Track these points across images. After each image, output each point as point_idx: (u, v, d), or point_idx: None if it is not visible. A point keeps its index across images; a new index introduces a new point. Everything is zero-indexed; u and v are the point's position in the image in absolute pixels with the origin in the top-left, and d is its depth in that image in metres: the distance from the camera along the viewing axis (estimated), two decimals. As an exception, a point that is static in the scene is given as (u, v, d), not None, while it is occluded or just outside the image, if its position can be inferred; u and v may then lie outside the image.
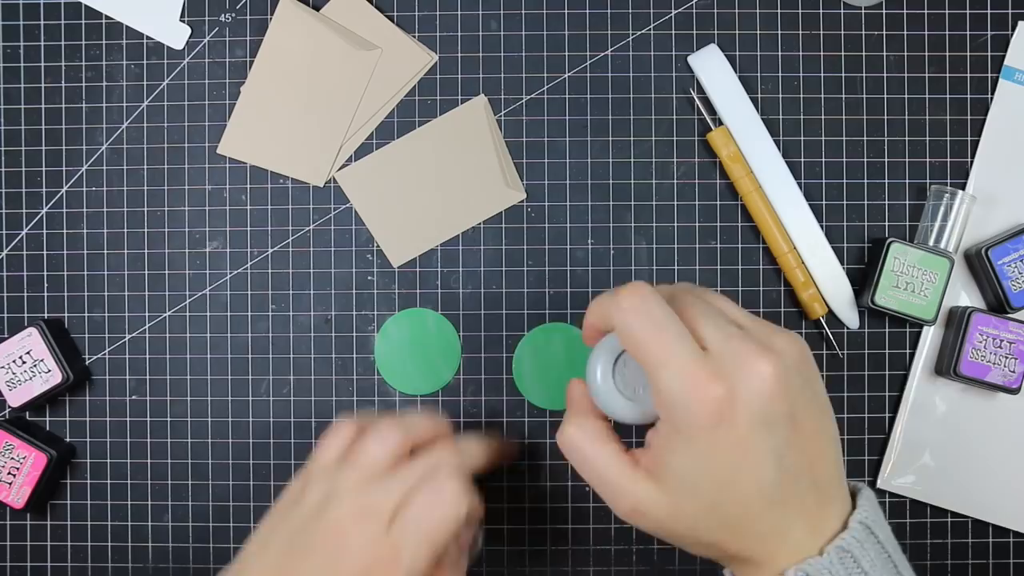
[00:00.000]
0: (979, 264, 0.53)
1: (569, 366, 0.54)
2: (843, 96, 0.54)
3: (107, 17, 0.55)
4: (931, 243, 0.53)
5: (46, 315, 0.55)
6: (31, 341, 0.52)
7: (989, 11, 0.55)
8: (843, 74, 0.55)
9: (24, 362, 0.52)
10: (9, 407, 0.53)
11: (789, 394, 0.37)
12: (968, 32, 0.55)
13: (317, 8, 0.54)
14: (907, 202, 0.55)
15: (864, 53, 0.54)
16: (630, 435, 0.54)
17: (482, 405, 0.55)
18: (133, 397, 0.55)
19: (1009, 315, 0.52)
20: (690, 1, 0.55)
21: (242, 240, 0.55)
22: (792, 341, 0.39)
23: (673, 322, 0.38)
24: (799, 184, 0.54)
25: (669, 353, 0.37)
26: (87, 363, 0.55)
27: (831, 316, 0.54)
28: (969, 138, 0.54)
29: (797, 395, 0.38)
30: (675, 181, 0.55)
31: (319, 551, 0.41)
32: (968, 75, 0.54)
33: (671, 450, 0.38)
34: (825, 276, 0.54)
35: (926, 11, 0.55)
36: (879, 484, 0.54)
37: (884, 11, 0.55)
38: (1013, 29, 0.54)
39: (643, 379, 0.41)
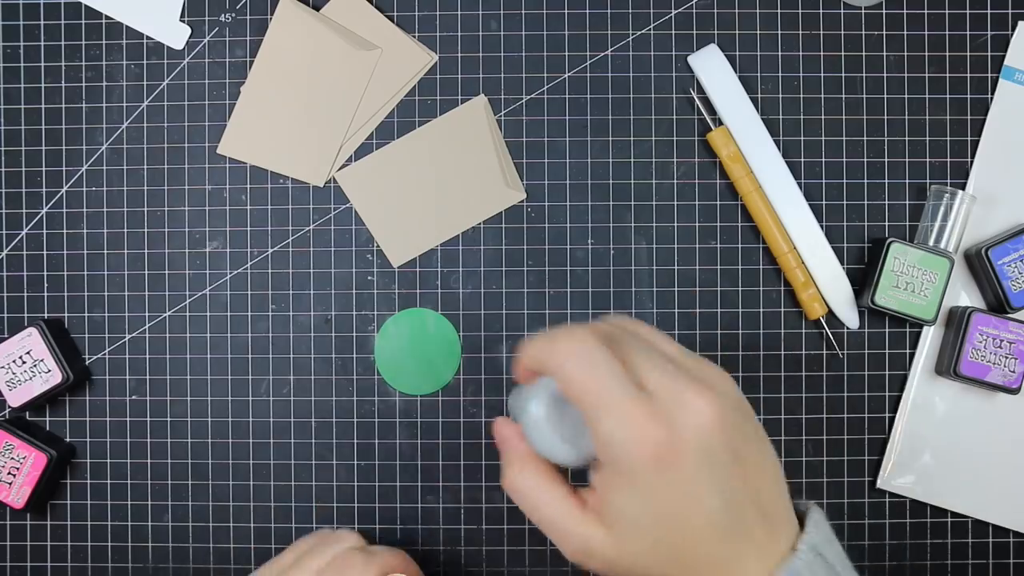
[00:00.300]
0: (979, 264, 0.53)
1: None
2: (843, 96, 0.55)
3: (107, 17, 0.55)
4: (931, 243, 0.53)
5: (46, 315, 0.55)
6: (31, 341, 0.52)
7: (989, 11, 0.55)
8: (843, 74, 0.55)
9: (24, 362, 0.52)
10: (9, 407, 0.53)
11: (729, 429, 0.38)
12: (968, 32, 0.55)
13: (317, 8, 0.54)
14: (907, 202, 0.55)
15: (864, 53, 0.54)
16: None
17: (482, 405, 0.55)
18: (133, 397, 0.55)
19: (1009, 315, 0.52)
20: (690, 1, 0.55)
21: (242, 240, 0.55)
22: (725, 376, 0.40)
23: (611, 365, 0.38)
24: (799, 184, 0.54)
25: (608, 397, 0.37)
26: (87, 363, 0.55)
27: (831, 316, 0.54)
28: (969, 138, 0.54)
29: (736, 429, 0.38)
30: (675, 181, 0.55)
31: None
32: (968, 75, 0.54)
33: (615, 491, 0.38)
34: (825, 276, 0.54)
35: (926, 11, 0.55)
36: (879, 484, 0.54)
37: (884, 11, 0.55)
38: (1013, 29, 0.54)
39: (580, 421, 0.40)
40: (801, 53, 0.55)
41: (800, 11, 0.55)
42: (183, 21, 0.55)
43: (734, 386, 0.40)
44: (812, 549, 0.38)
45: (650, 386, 0.38)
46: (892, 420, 0.54)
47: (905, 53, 0.55)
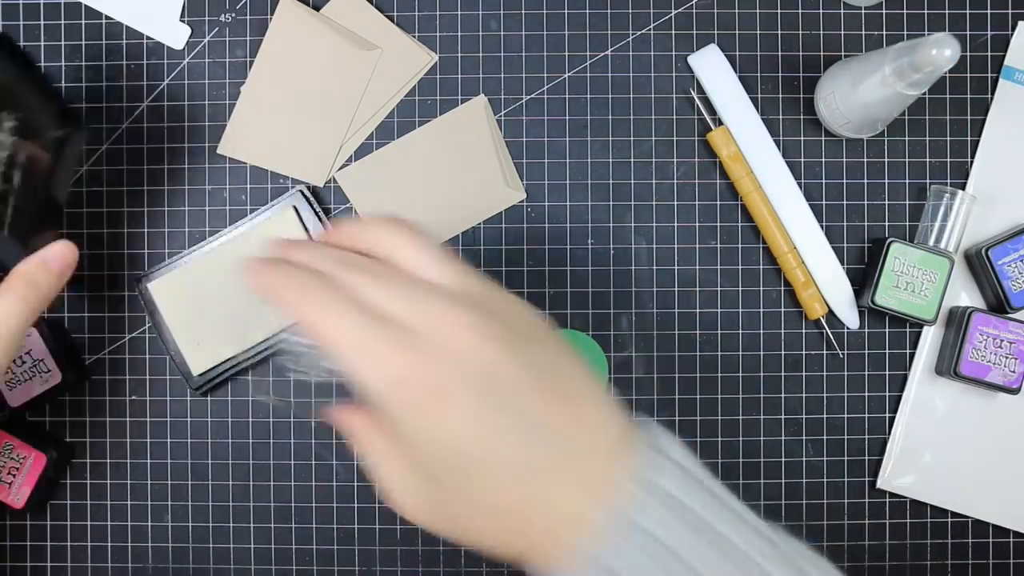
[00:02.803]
0: (979, 264, 0.53)
1: None
2: (843, 96, 0.54)
3: (107, 17, 0.55)
4: (931, 243, 0.53)
5: (46, 315, 0.55)
6: (31, 341, 0.52)
7: (989, 11, 0.55)
8: (843, 74, 0.55)
9: (24, 362, 0.52)
10: (9, 407, 0.53)
11: (508, 354, 0.33)
12: (968, 32, 0.55)
13: (317, 8, 0.54)
14: (907, 202, 0.55)
15: (864, 53, 0.54)
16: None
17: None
18: (133, 397, 0.55)
19: (1009, 315, 0.52)
20: (690, 1, 0.55)
21: (242, 240, 0.55)
22: (512, 302, 0.36)
23: (348, 307, 0.33)
24: (799, 184, 0.54)
25: (353, 342, 0.33)
26: (87, 363, 0.55)
27: (831, 316, 0.54)
28: (969, 138, 0.54)
29: (519, 354, 0.34)
30: (675, 181, 0.55)
31: None
32: (968, 75, 0.54)
33: (400, 443, 0.34)
34: (825, 276, 0.54)
35: (926, 11, 0.55)
36: (879, 484, 0.54)
37: (884, 11, 0.55)
38: (1013, 29, 0.54)
39: None
40: (801, 53, 0.55)
41: (800, 11, 0.55)
42: (183, 21, 0.55)
43: (522, 313, 0.36)
44: (644, 484, 0.33)
45: (407, 319, 0.33)
46: (892, 420, 0.54)
47: (905, 53, 0.55)
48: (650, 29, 0.55)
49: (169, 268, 0.53)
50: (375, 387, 0.33)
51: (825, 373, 0.54)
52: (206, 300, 0.51)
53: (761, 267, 0.55)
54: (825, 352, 0.54)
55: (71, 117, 0.47)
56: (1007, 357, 0.52)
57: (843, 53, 0.55)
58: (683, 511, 0.33)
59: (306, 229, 0.53)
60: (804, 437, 0.54)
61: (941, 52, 0.42)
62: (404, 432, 0.34)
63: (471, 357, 0.33)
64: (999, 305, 0.53)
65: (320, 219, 0.53)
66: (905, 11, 0.55)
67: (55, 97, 0.48)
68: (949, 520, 0.54)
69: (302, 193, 0.53)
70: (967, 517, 0.54)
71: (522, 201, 0.55)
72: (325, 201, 0.55)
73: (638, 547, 0.32)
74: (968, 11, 0.55)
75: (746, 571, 0.33)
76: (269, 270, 0.36)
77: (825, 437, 0.54)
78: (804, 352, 0.54)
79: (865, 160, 0.55)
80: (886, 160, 0.55)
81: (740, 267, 0.55)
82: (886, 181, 0.55)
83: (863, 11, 0.55)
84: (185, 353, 0.52)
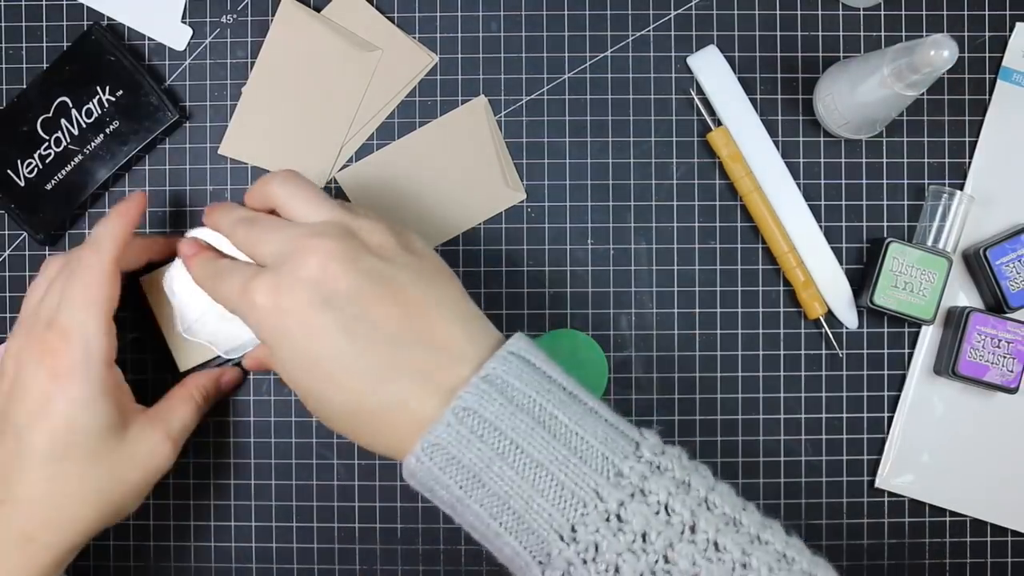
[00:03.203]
0: (977, 264, 0.53)
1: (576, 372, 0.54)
2: (842, 97, 0.55)
3: (109, 18, 0.55)
4: (930, 243, 0.53)
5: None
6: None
7: (987, 12, 0.55)
8: (842, 75, 0.55)
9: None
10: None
11: (350, 270, 0.38)
12: (966, 33, 0.55)
13: (318, 9, 0.55)
14: (906, 202, 0.55)
15: (863, 55, 0.55)
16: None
17: (482, 405, 0.55)
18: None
19: (1007, 315, 0.52)
20: (690, 2, 0.55)
21: (243, 240, 0.55)
22: (381, 229, 0.41)
23: (217, 265, 0.43)
24: (798, 184, 0.54)
25: (228, 288, 0.41)
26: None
27: (830, 316, 0.54)
28: (967, 139, 0.55)
29: (361, 270, 0.39)
30: (675, 181, 0.55)
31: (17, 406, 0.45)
32: (966, 76, 0.55)
33: (274, 357, 0.40)
34: (824, 276, 0.54)
35: (924, 12, 0.55)
36: (878, 483, 0.54)
37: (882, 12, 0.55)
38: (1011, 30, 0.55)
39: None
40: (800, 54, 0.55)
41: (799, 12, 0.55)
42: (184, 22, 0.55)
43: (377, 229, 0.41)
44: (486, 380, 0.37)
45: (268, 260, 0.41)
46: (891, 420, 0.54)
47: (903, 54, 0.55)
48: (650, 30, 0.55)
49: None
50: (251, 322, 0.40)
51: (824, 373, 0.55)
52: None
53: (760, 267, 0.55)
54: (824, 352, 0.55)
55: (163, 111, 0.54)
56: (1005, 357, 0.52)
57: (842, 54, 0.55)
58: (512, 399, 0.37)
59: None
60: (803, 436, 0.55)
61: (939, 53, 0.42)
62: (275, 355, 0.40)
63: (317, 280, 0.38)
64: (997, 305, 0.53)
65: None
66: (903, 12, 0.55)
67: (154, 92, 0.53)
68: (947, 519, 0.54)
69: None
70: (965, 516, 0.54)
71: (522, 201, 0.55)
72: (326, 201, 0.55)
73: (470, 429, 0.36)
74: (966, 12, 0.55)
75: (567, 442, 0.36)
76: (191, 266, 0.46)
77: (824, 436, 0.54)
78: (803, 352, 0.55)
79: (864, 161, 0.55)
80: (885, 161, 0.55)
81: (740, 267, 0.55)
82: (885, 181, 0.55)
83: (861, 12, 0.55)
84: (173, 349, 0.53)
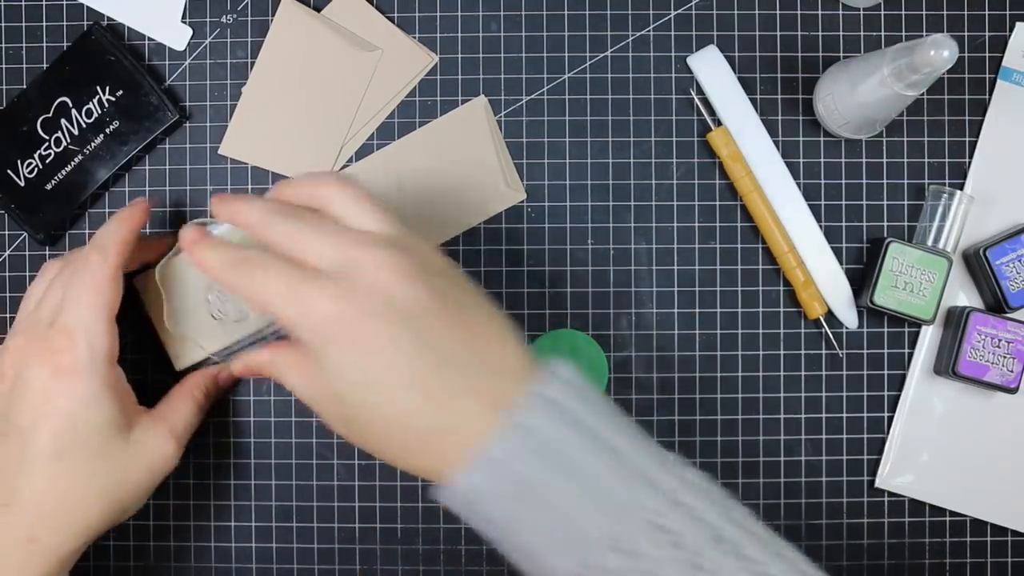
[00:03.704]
0: (977, 264, 0.53)
1: None
2: (842, 97, 0.55)
3: (109, 18, 0.55)
4: (930, 243, 0.53)
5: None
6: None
7: (987, 12, 0.55)
8: (842, 75, 0.55)
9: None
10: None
11: (417, 287, 0.38)
12: (966, 33, 0.55)
13: (318, 9, 0.55)
14: (906, 202, 0.55)
15: (863, 55, 0.55)
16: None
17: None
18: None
19: (1007, 315, 0.52)
20: (690, 2, 0.55)
21: (243, 240, 0.55)
22: (424, 244, 0.40)
23: (268, 265, 0.39)
24: (798, 184, 0.54)
25: (276, 291, 0.38)
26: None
27: (830, 316, 0.54)
28: (967, 139, 0.55)
29: (426, 288, 0.38)
30: (675, 181, 0.55)
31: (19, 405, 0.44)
32: (966, 76, 0.55)
33: (314, 361, 0.39)
34: (824, 276, 0.54)
35: (924, 12, 0.55)
36: (878, 483, 0.54)
37: (882, 12, 0.55)
38: (1011, 30, 0.55)
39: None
40: (800, 54, 0.55)
41: (799, 12, 0.55)
42: (184, 22, 0.55)
43: (431, 250, 0.41)
44: (544, 398, 0.37)
45: (322, 263, 0.38)
46: (891, 419, 0.54)
47: (903, 54, 0.55)
48: (649, 30, 0.55)
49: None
50: (304, 326, 0.38)
51: (824, 372, 0.55)
52: (189, 296, 0.52)
53: (761, 267, 0.55)
54: (824, 352, 0.55)
55: (164, 111, 0.53)
56: (1005, 357, 0.52)
57: (842, 54, 0.55)
58: (565, 414, 0.37)
59: None
60: (803, 436, 0.55)
61: (939, 53, 0.42)
62: (324, 362, 0.38)
63: (389, 293, 0.37)
64: (997, 305, 0.53)
65: None
66: (903, 12, 0.55)
67: (154, 92, 0.53)
68: (947, 519, 0.54)
69: None
70: (965, 516, 0.54)
71: (522, 201, 0.55)
72: (326, 201, 0.55)
73: (529, 447, 0.36)
74: (966, 12, 0.55)
75: (614, 456, 0.37)
76: (203, 252, 0.41)
77: (824, 436, 0.55)
78: (803, 352, 0.55)
79: (864, 160, 0.55)
80: (885, 160, 0.55)
81: (740, 267, 0.55)
82: (885, 181, 0.55)
83: (862, 12, 0.55)
84: (168, 348, 0.53)
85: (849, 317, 0.54)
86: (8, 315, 0.55)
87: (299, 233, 0.39)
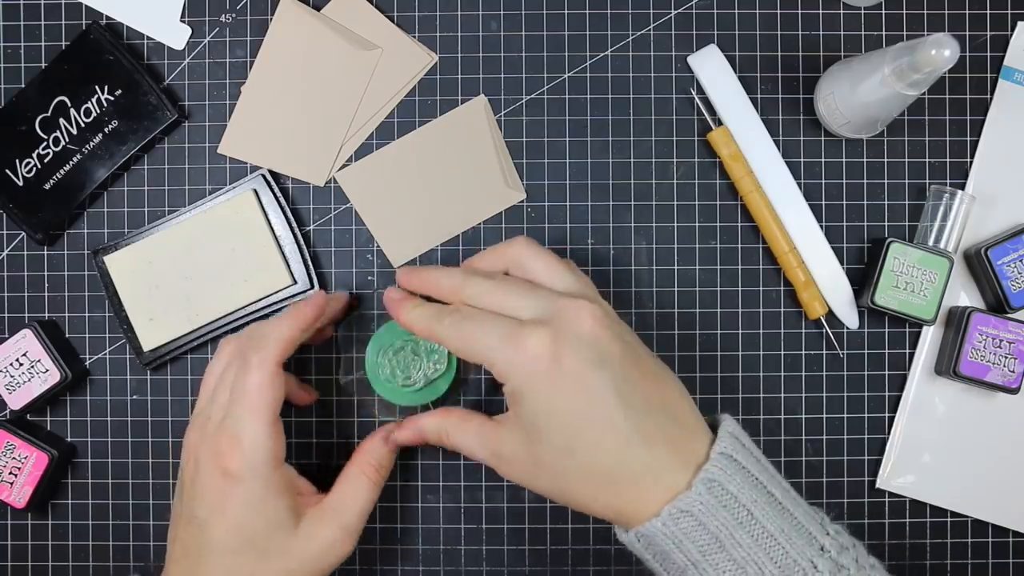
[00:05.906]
0: (979, 264, 0.53)
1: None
2: (843, 96, 0.54)
3: (108, 17, 0.55)
4: (931, 243, 0.53)
5: (47, 315, 0.55)
6: (26, 343, 0.52)
7: (988, 12, 0.55)
8: (843, 74, 0.55)
9: (21, 364, 0.52)
10: (10, 409, 0.53)
11: (616, 336, 0.41)
12: (967, 33, 0.55)
13: (317, 8, 0.55)
14: (907, 202, 0.55)
15: (864, 54, 0.54)
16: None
17: (482, 405, 0.55)
18: (134, 397, 0.55)
19: (1009, 315, 0.52)
20: (690, 1, 0.55)
21: (243, 240, 0.55)
22: (602, 302, 0.43)
23: (481, 321, 0.42)
24: (799, 184, 0.54)
25: (489, 343, 0.41)
26: (87, 363, 0.55)
27: (831, 316, 0.54)
28: (968, 138, 0.55)
29: (622, 339, 0.41)
30: (675, 181, 0.55)
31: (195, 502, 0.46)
32: (967, 75, 0.55)
33: (518, 405, 0.41)
34: (825, 276, 0.54)
35: (925, 12, 0.55)
36: (879, 484, 0.54)
37: (883, 11, 0.55)
38: (1012, 30, 0.55)
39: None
40: (801, 53, 0.55)
41: (800, 11, 0.55)
42: (184, 21, 0.55)
43: (608, 305, 0.43)
44: (725, 455, 0.40)
45: (527, 314, 0.41)
46: (892, 420, 0.54)
47: (905, 53, 0.55)
48: (650, 29, 0.55)
49: (126, 243, 0.53)
50: (517, 365, 0.40)
51: (825, 373, 0.54)
52: (161, 277, 0.52)
53: (761, 267, 0.55)
54: (825, 352, 0.54)
55: (164, 111, 0.53)
56: (1006, 357, 0.52)
57: (843, 53, 0.55)
58: (746, 473, 0.40)
59: (264, 212, 0.53)
60: (804, 437, 0.54)
61: (940, 52, 0.42)
62: (528, 408, 0.41)
63: (594, 339, 0.40)
64: (998, 305, 0.53)
65: (280, 203, 0.53)
66: (904, 11, 0.55)
67: (153, 91, 0.53)
68: (948, 520, 0.54)
69: (263, 177, 0.53)
70: (966, 517, 0.54)
71: (522, 201, 0.55)
72: (326, 201, 0.55)
73: (717, 499, 0.39)
74: (967, 11, 0.55)
75: (786, 515, 0.40)
76: (408, 311, 0.45)
77: (824, 437, 0.54)
78: (804, 352, 0.54)
79: (865, 160, 0.55)
80: (886, 160, 0.55)
81: (740, 267, 0.55)
82: (886, 181, 0.55)
83: (863, 11, 0.55)
84: (137, 328, 0.53)
85: (850, 317, 0.54)
86: (7, 315, 0.55)
87: (502, 291, 0.43)
